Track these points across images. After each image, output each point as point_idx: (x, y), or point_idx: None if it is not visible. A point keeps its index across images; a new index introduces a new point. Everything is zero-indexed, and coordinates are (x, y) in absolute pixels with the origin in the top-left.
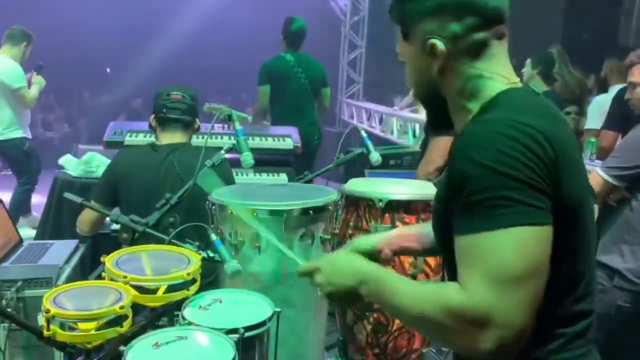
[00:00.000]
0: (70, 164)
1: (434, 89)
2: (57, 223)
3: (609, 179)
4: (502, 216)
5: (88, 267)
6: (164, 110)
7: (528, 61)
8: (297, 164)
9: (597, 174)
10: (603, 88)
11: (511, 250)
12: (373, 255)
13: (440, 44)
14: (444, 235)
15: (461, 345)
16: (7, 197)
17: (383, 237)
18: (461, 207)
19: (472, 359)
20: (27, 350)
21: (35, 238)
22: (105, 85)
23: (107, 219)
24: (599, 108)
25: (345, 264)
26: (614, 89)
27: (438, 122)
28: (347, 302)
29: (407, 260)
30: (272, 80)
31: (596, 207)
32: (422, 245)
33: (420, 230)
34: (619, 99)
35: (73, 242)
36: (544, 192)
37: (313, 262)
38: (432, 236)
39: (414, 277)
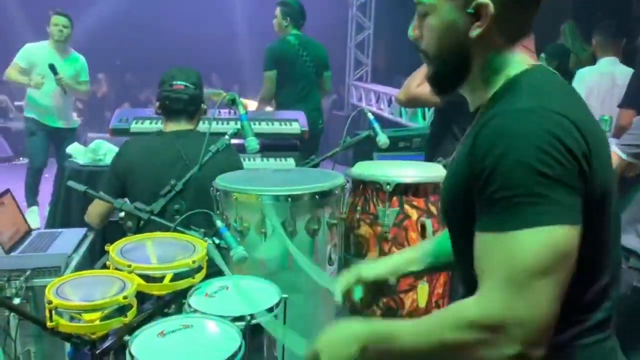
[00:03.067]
0: (77, 153)
1: (464, 54)
2: (66, 212)
3: (625, 157)
4: (530, 215)
5: (98, 255)
6: (167, 101)
7: (543, 56)
8: (302, 149)
9: (613, 152)
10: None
11: (536, 250)
12: (377, 284)
13: (490, 5)
14: (455, 219)
15: (487, 358)
16: (18, 187)
17: (386, 265)
18: (486, 202)
19: None
20: (37, 339)
21: (45, 227)
22: (116, 74)
23: None
24: (582, 81)
25: (341, 336)
26: (602, 62)
27: (446, 85)
28: None
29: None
30: (278, 65)
31: None
32: (424, 266)
33: (420, 252)
34: (637, 77)
35: (82, 231)
36: (576, 190)
37: (310, 347)
38: (431, 254)
39: None
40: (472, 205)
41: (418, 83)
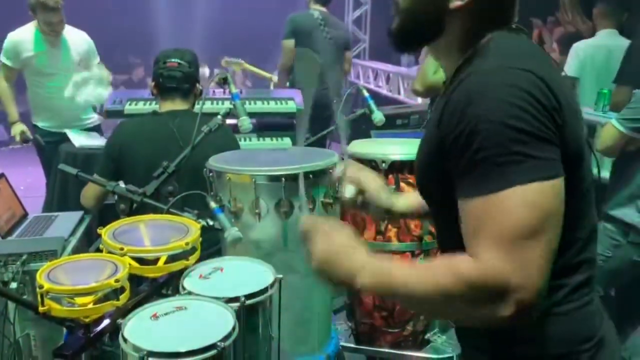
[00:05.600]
0: (73, 135)
1: (437, 19)
2: (62, 195)
3: (625, 131)
4: (514, 173)
5: (95, 239)
6: (161, 79)
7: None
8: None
9: (612, 126)
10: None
11: (524, 208)
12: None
13: None
14: (432, 189)
15: (480, 317)
16: (14, 171)
17: (397, 196)
18: (466, 167)
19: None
20: (36, 323)
21: (43, 211)
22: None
23: None
24: (576, 54)
25: (344, 262)
26: (601, 34)
27: (406, 42)
28: (336, 285)
29: (413, 222)
30: (296, 36)
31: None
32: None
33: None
34: (632, 53)
35: (78, 214)
36: (554, 143)
37: (315, 224)
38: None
39: (420, 238)
40: (445, 172)
41: (434, 71)
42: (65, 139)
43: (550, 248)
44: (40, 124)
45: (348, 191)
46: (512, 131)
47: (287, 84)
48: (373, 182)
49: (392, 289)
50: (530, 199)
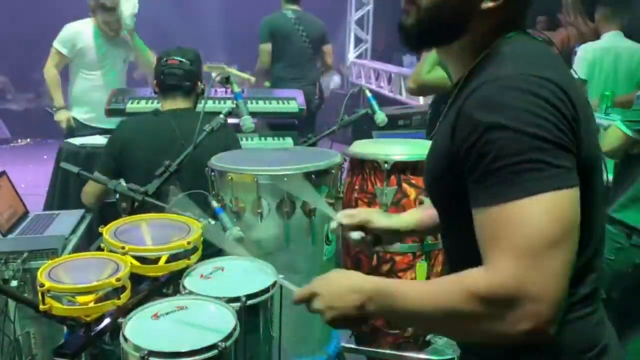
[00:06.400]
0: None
1: (464, 20)
2: (64, 193)
3: (630, 133)
4: (531, 182)
5: (95, 237)
6: (162, 76)
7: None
8: (299, 125)
9: (617, 128)
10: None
11: (543, 217)
12: (383, 233)
13: None
14: (443, 199)
15: (497, 334)
16: (16, 169)
17: (399, 219)
18: (482, 176)
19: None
20: (36, 321)
21: (44, 209)
22: None
23: None
24: (584, 57)
25: (344, 283)
26: (605, 37)
27: (423, 41)
28: (354, 324)
29: None
30: (273, 38)
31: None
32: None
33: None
34: None
35: (79, 212)
36: (571, 152)
37: (306, 287)
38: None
39: (421, 239)
40: (457, 181)
41: (428, 70)
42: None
43: (569, 258)
44: (78, 116)
45: (355, 235)
46: (532, 139)
47: (267, 84)
48: (372, 213)
49: (402, 313)
50: (550, 208)
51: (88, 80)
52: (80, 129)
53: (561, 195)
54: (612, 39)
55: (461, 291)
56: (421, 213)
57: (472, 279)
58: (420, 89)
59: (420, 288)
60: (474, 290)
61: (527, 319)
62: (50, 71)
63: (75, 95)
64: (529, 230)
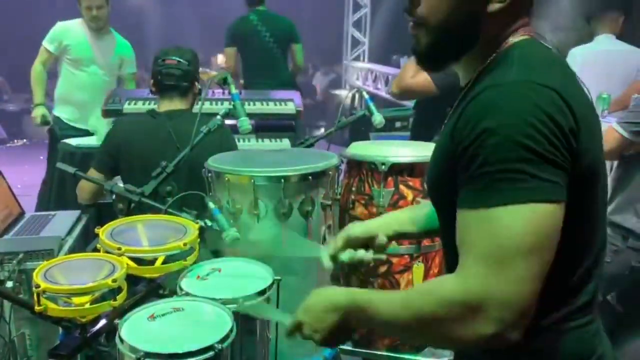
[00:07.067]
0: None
1: (474, 27)
2: (59, 194)
3: (626, 135)
4: (512, 191)
5: (91, 238)
6: (159, 76)
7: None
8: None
9: (613, 130)
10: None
11: (519, 228)
12: (368, 242)
13: None
14: (442, 199)
15: (462, 337)
16: (12, 169)
17: (377, 222)
18: (470, 177)
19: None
20: (32, 322)
21: (38, 210)
22: None
23: None
24: (575, 59)
25: (320, 305)
26: (598, 39)
27: (443, 59)
28: (343, 339)
29: None
30: (236, 42)
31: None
32: (418, 228)
33: (415, 212)
34: None
35: (75, 213)
36: (562, 167)
37: (292, 319)
38: (427, 217)
39: (418, 241)
40: (455, 181)
41: (411, 74)
42: (82, 135)
43: (539, 270)
44: (61, 115)
45: (344, 256)
46: (521, 149)
47: (241, 81)
48: (368, 225)
49: (379, 324)
50: (527, 220)
51: (73, 78)
52: (65, 129)
53: (542, 209)
54: (604, 42)
55: (431, 294)
56: (408, 212)
57: (441, 283)
58: (402, 93)
59: (392, 297)
60: (442, 294)
61: (488, 323)
62: (36, 68)
63: (60, 94)
64: (500, 239)
